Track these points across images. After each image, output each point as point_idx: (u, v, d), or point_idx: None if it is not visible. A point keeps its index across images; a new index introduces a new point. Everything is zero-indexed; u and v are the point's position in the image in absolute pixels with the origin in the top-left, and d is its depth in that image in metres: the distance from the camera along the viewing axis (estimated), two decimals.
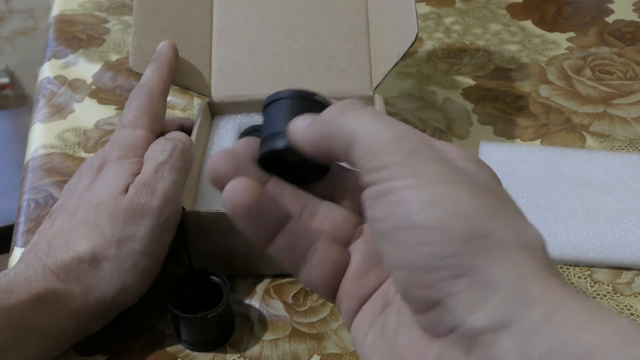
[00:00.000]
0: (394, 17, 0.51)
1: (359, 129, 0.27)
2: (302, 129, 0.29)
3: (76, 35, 0.72)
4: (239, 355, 0.41)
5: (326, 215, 0.31)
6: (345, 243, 0.30)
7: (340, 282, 0.30)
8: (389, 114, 0.60)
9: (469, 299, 0.23)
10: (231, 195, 0.28)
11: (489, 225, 0.24)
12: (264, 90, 0.52)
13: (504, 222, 0.25)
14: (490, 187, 0.27)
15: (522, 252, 0.24)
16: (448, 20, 0.73)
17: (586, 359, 0.21)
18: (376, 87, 0.52)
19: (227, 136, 0.51)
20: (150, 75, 0.47)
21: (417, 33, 0.48)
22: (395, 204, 0.25)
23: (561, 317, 0.22)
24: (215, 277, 0.41)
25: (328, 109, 0.28)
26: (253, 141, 0.31)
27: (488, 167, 0.28)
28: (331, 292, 0.30)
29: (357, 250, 0.30)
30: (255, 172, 0.30)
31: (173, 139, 0.43)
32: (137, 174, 0.41)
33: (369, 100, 0.52)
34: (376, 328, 0.28)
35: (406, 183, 0.25)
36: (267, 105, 0.31)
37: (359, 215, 0.31)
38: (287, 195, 0.31)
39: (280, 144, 0.30)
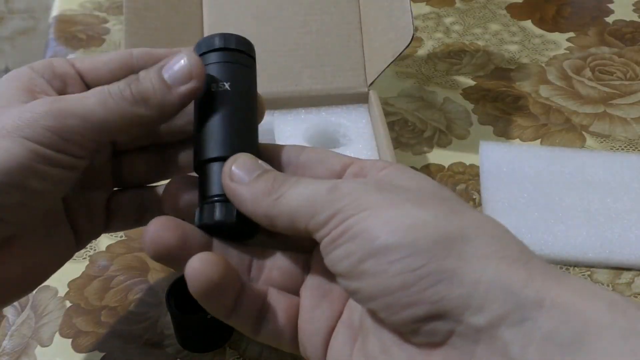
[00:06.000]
0: (388, 12, 0.51)
1: (294, 205, 0.27)
2: (239, 195, 0.28)
3: (76, 35, 0.72)
4: (238, 356, 0.41)
5: (274, 265, 0.30)
6: (296, 288, 0.30)
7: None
8: (389, 114, 0.60)
9: (454, 302, 0.23)
10: (200, 275, 0.26)
11: (447, 226, 0.24)
12: (259, 87, 0.52)
13: (461, 220, 0.25)
14: (433, 192, 0.27)
15: (490, 242, 0.24)
16: (448, 20, 0.73)
17: (584, 336, 0.21)
18: (371, 83, 0.52)
19: None
20: None
21: (413, 35, 0.48)
22: (354, 238, 0.25)
23: (551, 299, 0.22)
24: None
25: (259, 183, 0.28)
26: (185, 198, 0.31)
27: (418, 172, 0.29)
28: (294, 342, 0.29)
29: (306, 289, 0.30)
30: (198, 237, 0.29)
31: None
32: None
33: (364, 97, 0.52)
34: (358, 358, 0.27)
35: (359, 217, 0.25)
36: (202, 162, 0.30)
37: (303, 252, 0.31)
38: (233, 254, 0.30)
39: (230, 215, 0.29)
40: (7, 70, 1.70)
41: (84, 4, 0.77)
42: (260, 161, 0.29)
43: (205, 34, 0.53)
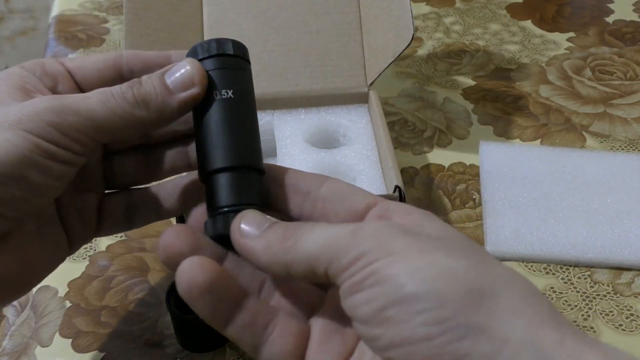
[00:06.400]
0: (388, 12, 0.51)
1: (313, 249, 0.26)
2: (251, 249, 0.27)
3: (76, 35, 0.72)
4: (238, 356, 0.41)
5: (286, 290, 0.30)
6: (305, 317, 0.29)
7: (305, 355, 0.28)
8: (389, 114, 0.60)
9: (480, 359, 0.22)
10: (186, 275, 0.26)
11: (477, 279, 0.24)
12: (259, 87, 0.52)
13: (490, 273, 0.24)
14: (461, 242, 0.26)
15: (521, 299, 0.23)
16: (448, 20, 0.73)
17: None
18: (371, 83, 0.52)
19: None
20: None
21: (413, 35, 0.48)
22: (379, 283, 0.24)
23: None
24: None
25: (271, 233, 0.27)
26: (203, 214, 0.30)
27: (448, 225, 0.28)
28: None
29: (318, 320, 0.29)
30: (211, 249, 0.29)
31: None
32: None
33: (364, 97, 0.52)
34: None
35: (385, 261, 0.24)
36: (212, 172, 0.30)
37: (318, 287, 0.30)
38: (246, 271, 0.30)
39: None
40: None
41: (84, 4, 0.77)
42: (268, 216, 0.28)
43: (205, 34, 0.53)
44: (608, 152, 0.55)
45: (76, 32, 0.73)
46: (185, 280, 0.26)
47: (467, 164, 0.55)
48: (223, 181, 0.29)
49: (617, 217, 0.48)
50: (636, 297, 0.44)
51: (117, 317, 0.43)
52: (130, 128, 0.30)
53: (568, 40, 0.70)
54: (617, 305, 0.44)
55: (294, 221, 0.28)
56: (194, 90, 0.30)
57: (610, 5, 0.75)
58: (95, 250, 0.48)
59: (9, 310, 0.44)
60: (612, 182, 0.51)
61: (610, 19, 0.73)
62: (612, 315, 0.43)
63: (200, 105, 0.30)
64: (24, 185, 0.28)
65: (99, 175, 0.35)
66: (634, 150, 0.56)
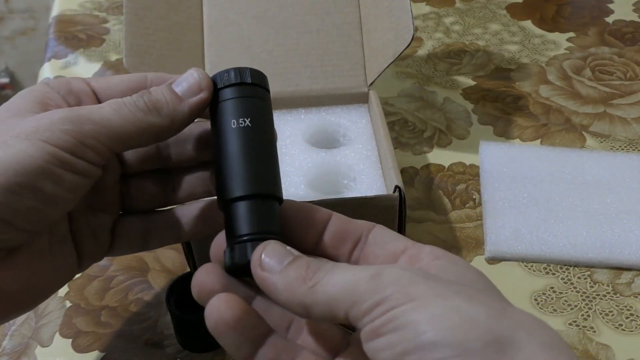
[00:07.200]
0: (388, 12, 0.51)
1: (333, 293, 0.26)
2: (272, 285, 0.27)
3: (76, 35, 0.72)
4: None
5: (312, 330, 0.30)
6: (330, 357, 0.29)
7: None
8: (389, 114, 0.60)
9: None
10: (214, 311, 0.27)
11: (498, 328, 0.23)
12: None
13: (512, 322, 0.24)
14: (483, 288, 0.26)
15: (542, 351, 0.23)
16: (448, 20, 0.73)
17: None
18: (371, 83, 0.52)
19: None
20: None
21: (413, 35, 0.48)
22: (400, 329, 0.24)
23: None
24: None
25: (293, 271, 0.27)
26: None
27: (471, 266, 0.28)
28: None
29: None
30: (242, 287, 0.30)
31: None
32: None
33: (364, 97, 0.52)
34: None
35: (406, 307, 0.24)
36: (230, 201, 0.30)
37: (345, 327, 0.30)
38: (275, 309, 0.30)
39: (247, 258, 0.28)
40: (7, 70, 1.70)
41: (84, 4, 0.77)
42: (289, 247, 0.28)
43: (205, 34, 0.53)
44: (608, 152, 0.55)
45: (76, 32, 0.73)
46: (213, 315, 0.27)
47: (467, 164, 0.55)
48: (241, 210, 0.29)
49: (617, 217, 0.48)
50: (636, 297, 0.44)
51: (117, 317, 0.43)
52: (144, 135, 0.31)
53: (568, 40, 0.70)
54: (617, 305, 0.44)
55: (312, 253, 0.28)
56: (202, 95, 0.31)
57: (610, 5, 0.75)
58: None
59: None
60: (612, 182, 0.51)
61: (610, 19, 0.73)
62: (612, 315, 0.43)
63: (218, 135, 0.31)
64: (38, 196, 0.28)
65: (115, 196, 0.35)
66: (634, 150, 0.56)
